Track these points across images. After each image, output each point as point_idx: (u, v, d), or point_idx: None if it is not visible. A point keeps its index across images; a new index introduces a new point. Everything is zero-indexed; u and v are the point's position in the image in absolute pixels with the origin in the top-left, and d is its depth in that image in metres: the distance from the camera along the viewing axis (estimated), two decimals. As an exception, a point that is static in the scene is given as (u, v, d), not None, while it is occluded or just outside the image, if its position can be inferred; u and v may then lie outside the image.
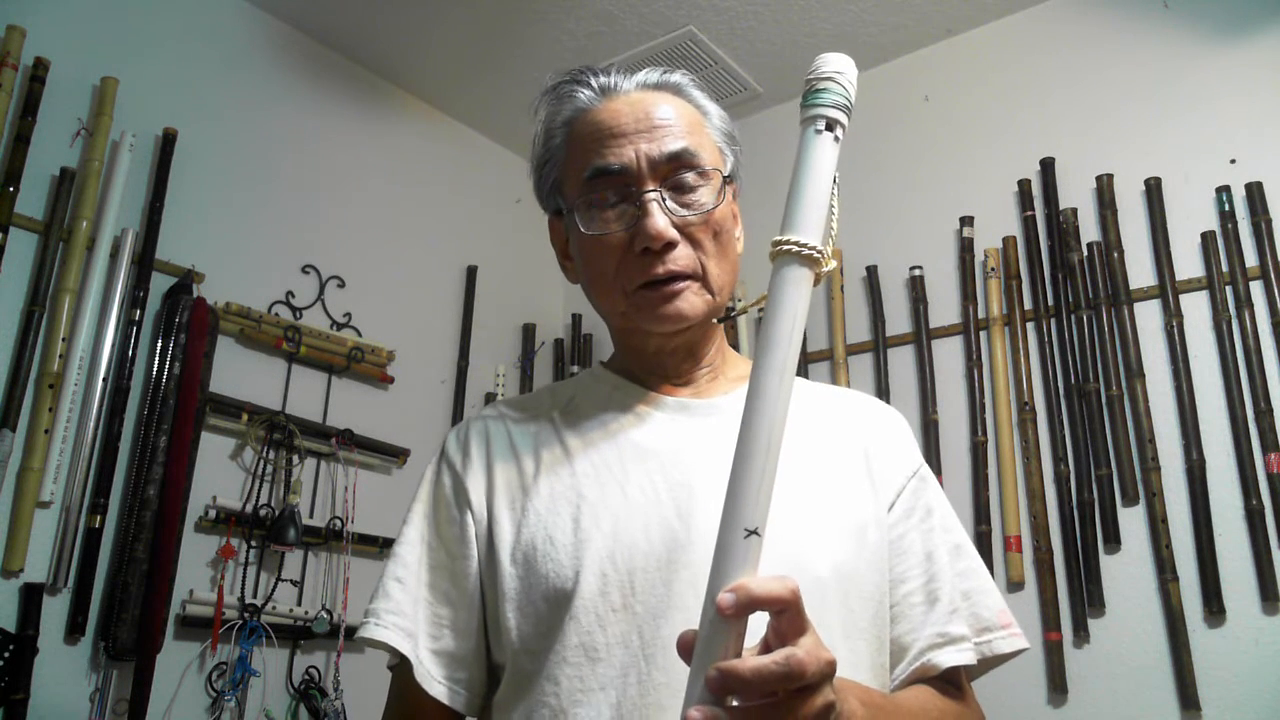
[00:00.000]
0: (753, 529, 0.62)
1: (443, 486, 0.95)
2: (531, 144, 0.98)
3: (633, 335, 0.95)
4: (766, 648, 0.62)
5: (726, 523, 0.63)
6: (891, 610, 0.88)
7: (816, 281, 0.69)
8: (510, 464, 0.93)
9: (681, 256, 0.88)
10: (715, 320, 0.92)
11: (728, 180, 0.93)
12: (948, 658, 0.85)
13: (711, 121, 0.95)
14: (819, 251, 0.67)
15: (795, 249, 0.66)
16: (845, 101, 0.70)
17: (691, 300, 0.88)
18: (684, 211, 0.88)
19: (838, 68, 0.71)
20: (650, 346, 0.94)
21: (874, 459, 0.93)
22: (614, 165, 0.88)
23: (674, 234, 0.87)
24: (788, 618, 0.62)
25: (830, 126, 0.70)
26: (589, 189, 0.90)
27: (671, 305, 0.88)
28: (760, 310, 0.71)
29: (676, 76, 0.96)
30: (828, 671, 0.62)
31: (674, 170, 0.88)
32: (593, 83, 0.94)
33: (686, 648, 0.63)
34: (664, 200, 0.88)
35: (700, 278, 0.89)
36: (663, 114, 0.90)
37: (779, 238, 0.67)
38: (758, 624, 0.63)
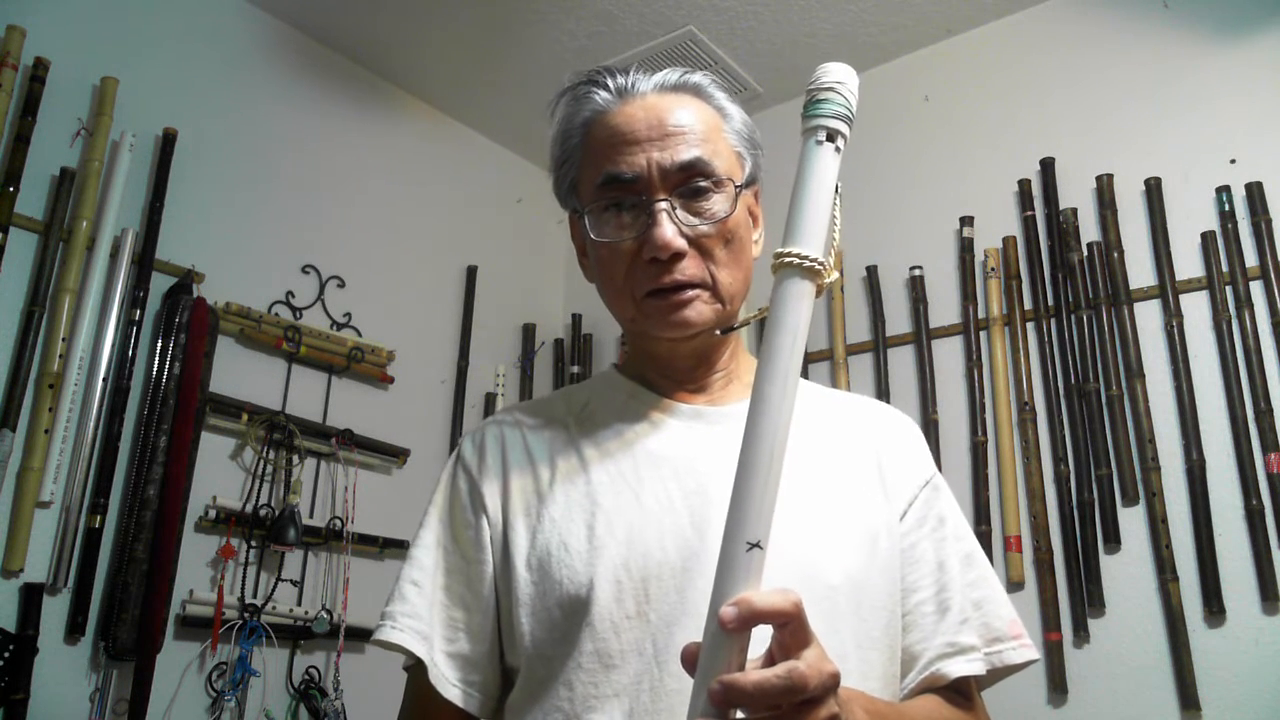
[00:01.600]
0: (755, 542, 0.62)
1: (459, 491, 0.95)
2: (550, 143, 0.98)
3: (644, 339, 0.95)
4: (771, 660, 0.63)
5: (729, 535, 0.64)
6: (903, 619, 0.88)
7: (819, 293, 0.69)
8: (526, 470, 0.93)
9: (689, 266, 0.87)
10: (720, 332, 0.91)
11: (745, 186, 0.92)
12: (957, 667, 0.86)
13: (732, 125, 0.94)
14: (821, 264, 0.67)
15: (797, 261, 0.67)
16: (846, 112, 0.71)
17: (699, 308, 0.88)
18: (695, 221, 0.88)
19: (839, 78, 0.71)
20: (661, 351, 0.94)
21: (887, 467, 0.93)
22: (626, 173, 0.88)
23: (681, 244, 0.86)
24: (790, 630, 0.62)
25: (831, 137, 0.70)
26: (601, 195, 0.90)
27: (679, 313, 0.88)
28: (762, 310, 0.71)
29: (697, 77, 0.94)
30: (830, 683, 0.62)
31: (686, 179, 0.88)
32: (610, 84, 0.93)
33: (691, 660, 0.63)
34: (674, 210, 0.87)
35: (709, 286, 0.89)
36: (677, 120, 0.89)
37: (781, 249, 0.68)
38: (766, 633, 0.63)
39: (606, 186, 0.89)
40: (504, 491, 0.92)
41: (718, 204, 0.88)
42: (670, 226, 0.86)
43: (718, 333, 0.91)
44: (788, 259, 0.67)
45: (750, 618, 0.60)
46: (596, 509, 0.87)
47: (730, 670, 0.61)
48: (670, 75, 0.93)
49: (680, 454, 0.89)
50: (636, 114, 0.90)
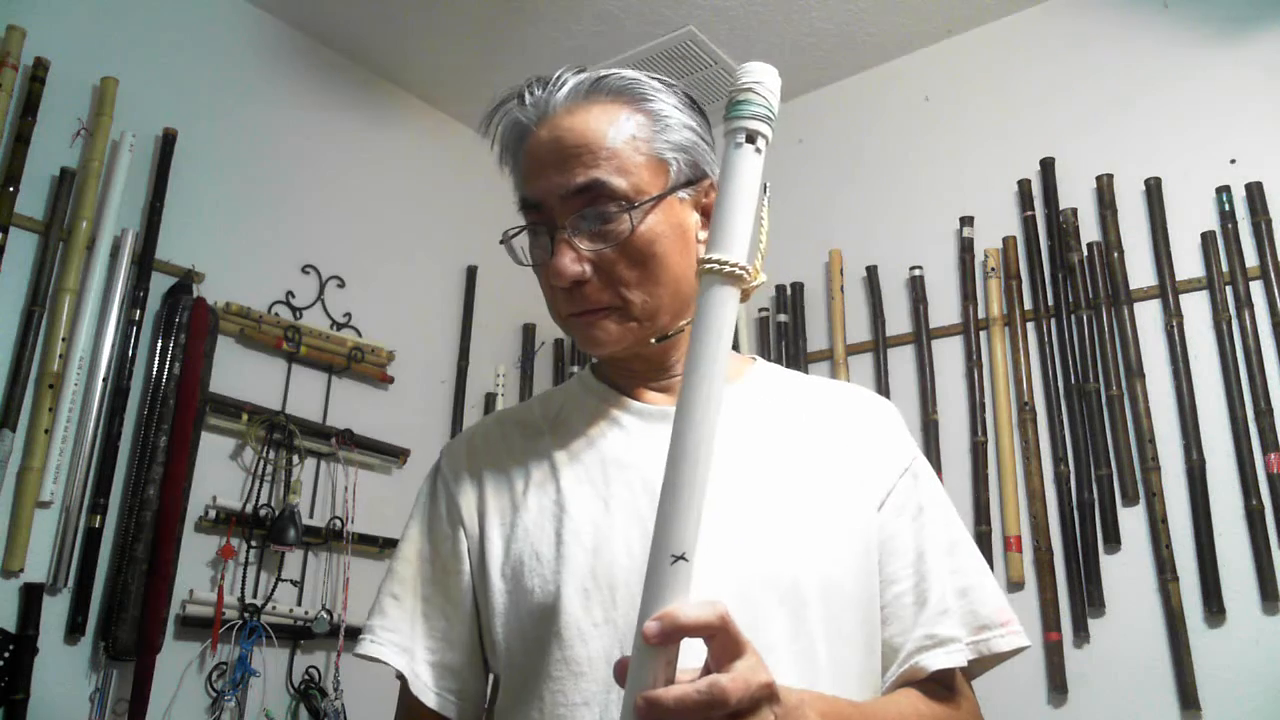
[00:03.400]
0: (680, 554, 0.62)
1: (437, 502, 0.96)
2: (498, 157, 0.97)
3: None
4: (707, 671, 0.63)
5: (655, 548, 0.63)
6: (882, 612, 0.87)
7: (744, 297, 0.69)
8: (501, 479, 0.93)
9: (593, 292, 0.86)
10: (655, 341, 0.90)
11: (675, 190, 0.88)
12: (936, 660, 0.84)
13: (657, 126, 0.88)
14: (743, 269, 0.67)
15: (718, 267, 0.66)
16: (766, 112, 0.70)
17: (609, 329, 0.87)
18: (598, 244, 0.85)
19: (757, 78, 0.70)
20: (609, 360, 0.95)
21: (863, 455, 0.91)
22: (532, 199, 0.88)
23: (578, 271, 0.85)
24: (719, 643, 0.62)
25: (751, 138, 0.69)
26: (523, 216, 0.91)
27: (591, 333, 0.88)
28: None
29: (615, 78, 0.89)
30: (761, 694, 0.62)
31: (585, 203, 0.85)
32: (528, 99, 0.90)
33: (623, 673, 0.63)
34: (574, 236, 0.85)
35: (619, 307, 0.87)
36: (577, 140, 0.86)
37: (702, 256, 0.68)
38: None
39: (523, 210, 0.90)
40: (480, 502, 0.92)
41: (620, 225, 0.85)
42: (567, 255, 0.85)
43: (653, 341, 0.90)
44: (708, 265, 0.67)
45: (673, 632, 0.60)
46: (565, 516, 0.86)
47: (657, 685, 0.61)
48: (587, 79, 0.89)
49: (646, 457, 0.88)
50: (543, 135, 0.88)
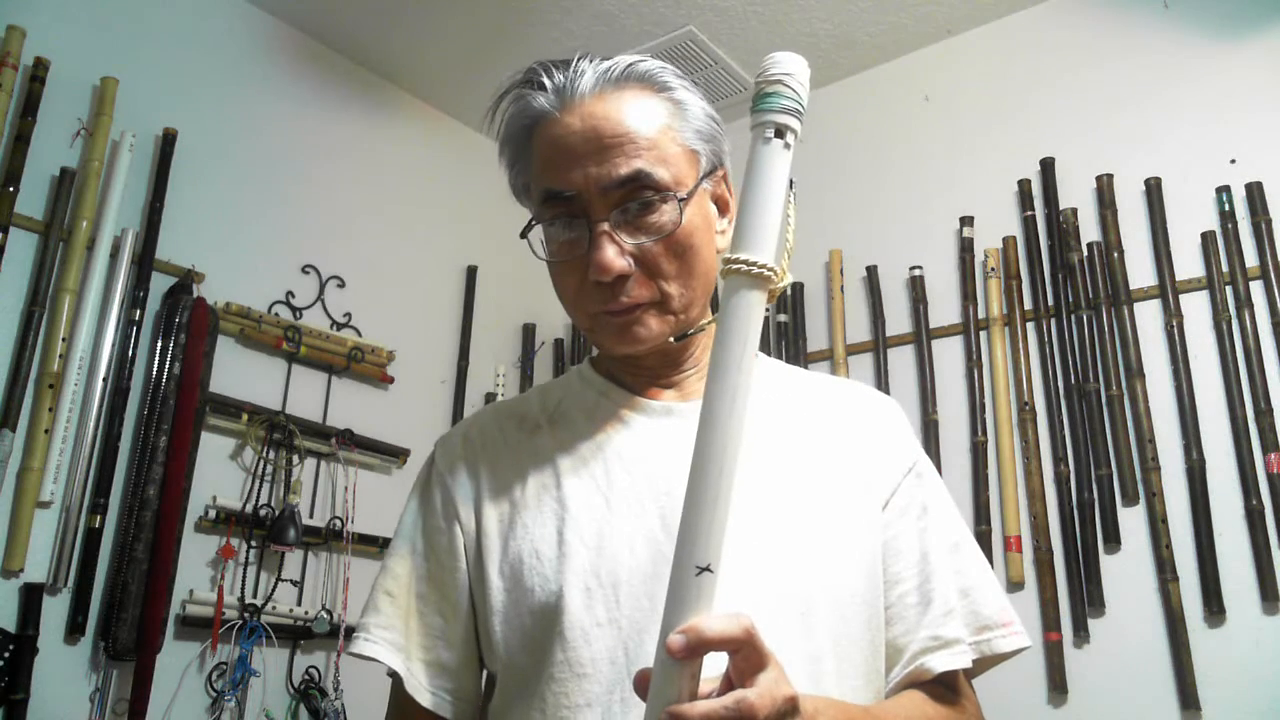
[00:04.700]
0: (705, 566, 0.61)
1: (432, 497, 0.94)
2: (499, 144, 0.93)
3: (603, 347, 0.93)
4: (729, 683, 0.63)
5: (678, 560, 0.62)
6: (886, 611, 0.86)
7: (771, 299, 0.67)
8: (498, 474, 0.91)
9: (635, 287, 0.84)
10: (674, 339, 0.88)
11: (703, 179, 0.87)
12: (941, 662, 0.84)
13: (685, 115, 0.87)
14: (770, 270, 0.65)
15: (745, 269, 0.64)
16: (796, 105, 0.66)
17: (649, 324, 0.85)
18: (641, 238, 0.83)
19: (787, 69, 0.67)
20: (620, 358, 0.93)
21: (867, 456, 0.90)
22: (565, 191, 0.84)
23: (623, 266, 0.82)
24: (743, 656, 0.61)
25: (780, 133, 0.66)
26: (545, 209, 0.86)
27: (629, 331, 0.86)
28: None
29: (645, 65, 0.87)
30: (786, 708, 0.62)
31: (627, 195, 0.82)
32: (547, 84, 0.86)
33: (644, 686, 0.63)
34: (616, 229, 0.83)
35: (659, 302, 0.85)
36: (616, 129, 0.83)
37: (729, 256, 0.65)
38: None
39: (548, 203, 0.86)
40: (476, 498, 0.91)
41: (664, 216, 0.83)
42: (610, 249, 0.82)
43: (671, 340, 0.88)
44: (735, 266, 0.64)
45: (698, 646, 0.60)
46: (566, 514, 0.85)
47: (681, 699, 0.60)
48: (615, 66, 0.86)
49: (650, 454, 0.87)
50: (574, 124, 0.84)
